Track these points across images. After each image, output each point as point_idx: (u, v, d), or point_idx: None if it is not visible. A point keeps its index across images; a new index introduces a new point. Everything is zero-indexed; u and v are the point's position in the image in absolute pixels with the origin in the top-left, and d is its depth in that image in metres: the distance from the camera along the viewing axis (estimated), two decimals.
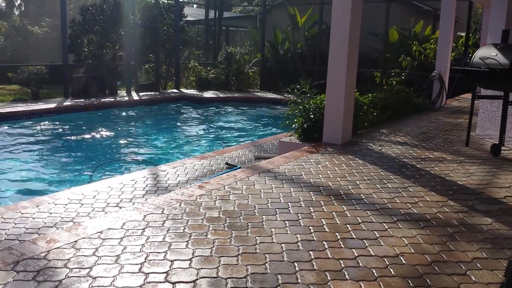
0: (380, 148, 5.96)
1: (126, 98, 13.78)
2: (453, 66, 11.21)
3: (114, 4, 14.64)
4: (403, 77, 13.04)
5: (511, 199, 3.99)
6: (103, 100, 13.06)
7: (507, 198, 4.02)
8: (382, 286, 2.46)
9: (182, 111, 13.99)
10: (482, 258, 2.85)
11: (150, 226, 3.16)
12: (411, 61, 13.64)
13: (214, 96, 15.39)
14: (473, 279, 2.57)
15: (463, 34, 15.19)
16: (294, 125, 6.79)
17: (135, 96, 14.32)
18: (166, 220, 3.29)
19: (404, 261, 2.77)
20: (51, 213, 4.13)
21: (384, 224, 3.34)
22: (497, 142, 5.61)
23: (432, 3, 17.64)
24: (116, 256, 2.71)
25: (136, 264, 2.61)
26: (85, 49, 14.16)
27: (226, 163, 6.16)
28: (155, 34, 15.77)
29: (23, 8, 30.47)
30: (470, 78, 6.08)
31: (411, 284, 2.49)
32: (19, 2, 31.47)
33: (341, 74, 6.01)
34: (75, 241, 2.91)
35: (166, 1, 17.38)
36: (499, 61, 5.46)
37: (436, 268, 2.69)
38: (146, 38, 15.89)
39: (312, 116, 6.52)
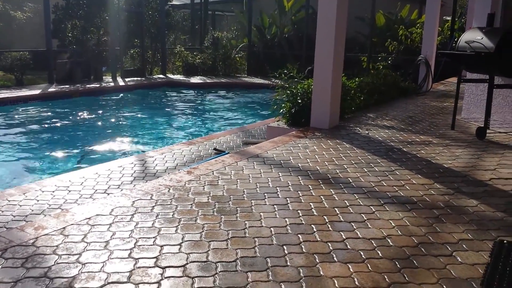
0: (367, 132, 6.00)
1: (112, 84, 13.64)
2: (439, 50, 11.28)
3: None
4: (389, 62, 13.13)
5: (496, 181, 4.06)
6: (88, 86, 12.91)
7: (492, 180, 4.08)
8: (369, 268, 2.50)
9: (168, 96, 13.90)
10: (468, 239, 2.90)
11: (139, 212, 3.16)
12: (398, 46, 13.67)
13: (201, 81, 15.29)
14: (459, 260, 2.62)
15: (449, 18, 15.24)
16: (282, 110, 6.79)
17: (120, 82, 14.17)
18: (155, 205, 3.29)
19: (391, 243, 2.81)
20: (38, 201, 4.10)
21: (372, 207, 3.38)
22: (482, 125, 5.68)
23: None
24: (105, 242, 2.71)
25: (125, 250, 2.61)
26: (69, 34, 13.92)
27: (214, 149, 6.15)
28: (140, 18, 15.57)
29: None
30: (456, 62, 6.12)
31: (398, 266, 2.53)
32: None
33: (328, 58, 6.00)
34: (64, 228, 2.90)
35: None
36: (485, 45, 5.50)
37: (423, 249, 2.74)
38: (131, 22, 15.69)
39: (299, 101, 6.52)
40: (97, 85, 13.15)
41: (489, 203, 3.53)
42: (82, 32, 14.08)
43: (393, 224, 3.08)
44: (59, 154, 7.51)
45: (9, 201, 4.08)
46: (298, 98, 6.56)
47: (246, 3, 19.45)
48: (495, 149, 5.15)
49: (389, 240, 2.85)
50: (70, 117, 10.26)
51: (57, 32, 13.86)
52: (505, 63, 5.48)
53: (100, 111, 11.20)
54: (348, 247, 2.75)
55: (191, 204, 3.33)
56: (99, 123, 10.02)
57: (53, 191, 4.33)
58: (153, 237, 2.78)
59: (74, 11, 14.00)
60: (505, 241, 2.87)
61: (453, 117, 6.20)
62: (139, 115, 11.11)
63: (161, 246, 2.66)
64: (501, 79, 6.23)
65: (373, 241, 2.82)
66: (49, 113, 10.48)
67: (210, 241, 2.75)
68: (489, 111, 5.71)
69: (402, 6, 16.92)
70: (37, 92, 11.52)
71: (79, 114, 10.63)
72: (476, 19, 6.85)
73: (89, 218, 3.04)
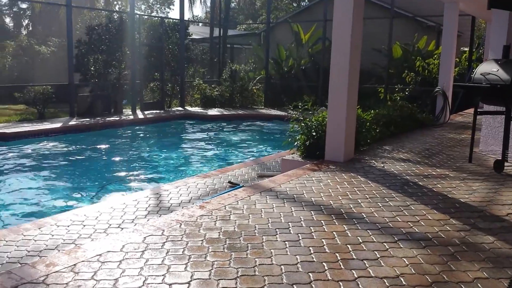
0: (382, 165, 5.94)
1: (131, 117, 13.89)
2: (457, 81, 11.23)
3: (120, 23, 14.87)
4: (407, 93, 13.10)
5: None
6: (108, 119, 13.17)
7: (509, 215, 3.99)
8: None
9: (186, 129, 14.06)
10: (483, 278, 2.81)
11: (150, 248, 3.16)
12: (415, 77, 13.67)
13: (219, 113, 15.47)
14: None
15: (466, 49, 15.22)
16: (296, 143, 6.80)
17: (140, 115, 14.42)
18: (166, 242, 3.29)
19: (404, 282, 2.74)
20: (53, 235, 4.14)
21: (385, 244, 3.32)
22: (500, 158, 5.58)
23: (435, 19, 17.70)
24: (114, 279, 2.71)
25: None
26: (91, 68, 14.33)
27: (229, 182, 6.16)
28: (160, 52, 15.95)
29: (30, 28, 30.98)
30: (472, 93, 6.07)
31: None
32: (26, 22, 32.04)
33: (343, 91, 6.03)
34: (74, 265, 2.92)
35: (171, 20, 17.62)
36: (500, 77, 5.47)
37: None
38: (151, 56, 16.08)
39: (314, 134, 6.53)
40: (117, 118, 13.41)
41: (506, 239, 3.44)
42: (104, 66, 14.48)
43: (406, 262, 3.01)
44: (77, 187, 7.62)
45: (24, 236, 4.13)
46: (313, 130, 6.57)
47: (263, 37, 19.82)
48: None
49: (402, 279, 2.78)
50: (90, 150, 10.43)
51: (80, 66, 14.28)
52: None
53: (119, 144, 11.37)
54: (360, 286, 2.69)
55: (202, 240, 3.33)
56: (118, 156, 10.17)
57: (68, 226, 4.37)
58: (162, 275, 2.77)
59: (97, 46, 14.43)
60: None
61: (470, 150, 6.11)
62: (156, 148, 11.25)
63: (170, 285, 2.65)
64: None
65: (385, 280, 2.76)
66: (69, 147, 10.68)
67: (219, 279, 2.73)
68: (506, 144, 5.61)
69: (419, 38, 16.99)
70: (58, 125, 11.80)
71: (98, 147, 10.81)
72: (492, 50, 6.84)
73: (99, 255, 3.06)
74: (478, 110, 6.08)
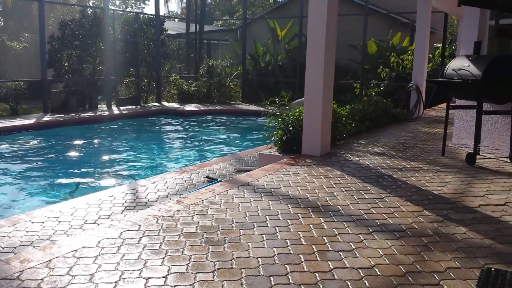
0: (358, 159, 6.03)
1: (107, 113, 13.70)
2: (430, 76, 11.45)
3: (94, 19, 14.64)
4: (382, 88, 13.28)
5: (485, 207, 4.07)
6: (83, 115, 12.96)
7: (481, 207, 4.10)
8: None
9: (163, 124, 13.95)
10: (455, 267, 2.89)
11: (126, 244, 3.14)
12: (390, 72, 13.86)
13: (196, 109, 15.39)
14: None
15: (439, 45, 15.51)
16: (273, 138, 6.83)
17: (115, 110, 14.23)
18: (143, 236, 3.27)
19: (378, 272, 2.80)
20: (27, 232, 4.06)
21: (360, 236, 3.37)
22: (472, 151, 5.73)
23: (409, 15, 17.98)
24: (90, 275, 2.69)
25: (110, 283, 2.59)
26: (65, 64, 14.07)
27: (207, 177, 6.15)
28: (135, 48, 15.77)
29: (1, 24, 30.15)
30: (444, 89, 6.21)
31: None
32: None
33: (318, 87, 6.09)
34: (49, 261, 2.88)
35: (146, 16, 17.42)
36: (472, 72, 5.61)
37: (410, 278, 2.73)
38: (126, 52, 15.88)
39: (291, 129, 6.57)
40: (92, 114, 13.21)
41: (478, 230, 3.53)
42: (78, 61, 14.23)
43: (381, 253, 3.08)
44: (52, 184, 7.48)
45: None
46: (290, 125, 6.61)
47: (240, 32, 19.78)
48: (485, 175, 5.18)
49: (376, 270, 2.83)
50: (64, 147, 10.26)
51: (53, 61, 14.01)
52: (492, 90, 5.57)
53: (94, 140, 11.21)
54: (336, 277, 2.73)
55: (179, 235, 3.32)
56: (93, 152, 10.02)
57: (43, 222, 4.30)
58: (139, 269, 2.76)
59: (70, 42, 14.18)
60: (492, 269, 2.86)
61: (443, 144, 6.24)
62: (132, 144, 11.13)
63: (147, 279, 2.64)
64: (490, 105, 6.32)
65: (360, 271, 2.81)
66: (43, 143, 10.48)
67: (197, 272, 2.74)
68: (478, 137, 5.76)
69: (394, 34, 17.24)
70: (31, 121, 11.55)
71: (73, 143, 10.63)
72: (463, 46, 6.99)
73: (75, 251, 3.02)
74: (451, 104, 6.22)
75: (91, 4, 37.62)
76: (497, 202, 4.22)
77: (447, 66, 6.13)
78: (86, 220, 4.35)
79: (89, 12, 15.23)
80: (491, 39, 7.13)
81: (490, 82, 5.49)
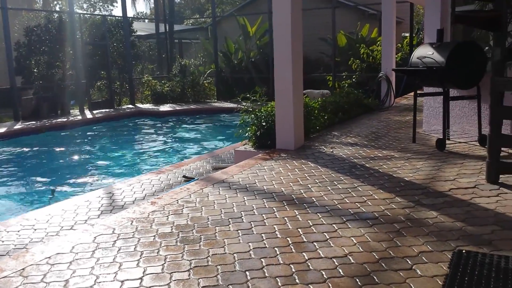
0: (331, 150, 6.10)
1: (79, 117, 13.49)
2: (400, 66, 11.63)
3: (60, 23, 14.38)
4: (354, 80, 13.43)
5: (455, 191, 4.17)
6: (55, 121, 12.74)
7: (452, 190, 4.20)
8: (331, 287, 2.53)
9: (137, 126, 13.82)
10: (427, 251, 2.96)
11: (100, 248, 3.12)
12: (361, 64, 14.03)
13: (171, 109, 15.29)
14: (419, 273, 2.67)
15: (407, 34, 15.75)
16: (247, 134, 6.85)
17: (88, 115, 14.03)
18: (117, 240, 3.25)
19: (352, 261, 2.85)
20: (3, 241, 3.98)
21: (334, 225, 3.42)
22: (442, 137, 5.85)
23: (376, 7, 18.21)
24: (64, 281, 2.66)
25: None
26: (35, 70, 13.79)
27: (184, 176, 6.14)
28: (105, 51, 15.56)
29: None
30: (410, 77, 6.32)
31: (359, 283, 2.57)
32: None
33: (288, 81, 6.13)
34: (23, 269, 2.84)
35: (114, 18, 17.20)
36: (436, 59, 5.73)
37: (384, 264, 2.78)
38: (96, 55, 15.67)
39: (264, 124, 6.60)
40: (64, 119, 12.99)
41: (449, 213, 3.62)
42: (47, 67, 13.97)
43: (354, 241, 3.13)
44: (27, 192, 7.35)
45: None
46: (263, 121, 6.64)
47: (210, 30, 19.70)
48: (455, 159, 5.31)
49: (350, 258, 2.88)
50: (38, 154, 10.07)
51: (21, 68, 13.72)
52: (456, 75, 5.70)
53: (68, 146, 11.04)
54: (310, 267, 2.77)
55: (154, 236, 3.31)
56: (67, 157, 9.87)
57: (19, 231, 4.21)
58: (114, 273, 2.74)
59: (37, 48, 13.91)
60: (463, 251, 2.94)
61: (413, 131, 6.37)
62: (107, 147, 11.00)
63: (122, 281, 2.63)
64: (457, 91, 6.47)
65: (335, 260, 2.86)
66: (16, 151, 10.27)
67: (172, 272, 2.74)
68: (446, 123, 5.89)
69: (362, 26, 17.43)
70: (2, 130, 11.30)
71: (47, 150, 10.45)
72: (427, 34, 7.12)
73: (49, 257, 2.99)
74: (418, 92, 6.34)
75: (58, 8, 36.89)
76: (467, 185, 4.33)
77: (412, 54, 6.24)
78: (62, 227, 4.28)
79: (55, 17, 14.93)
80: (454, 25, 7.28)
81: (454, 68, 5.61)
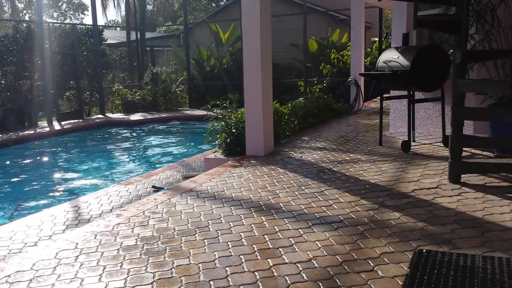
0: (300, 155, 6.14)
1: (47, 129, 13.22)
2: (369, 70, 11.81)
3: (28, 33, 14.09)
4: (325, 84, 13.57)
5: (418, 192, 4.26)
6: (21, 133, 12.44)
7: (415, 191, 4.28)
8: None
9: (107, 136, 13.62)
10: (389, 252, 3.00)
11: (62, 264, 3.05)
12: (331, 69, 14.19)
13: (142, 118, 15.15)
14: (380, 274, 2.71)
15: (376, 39, 16.03)
16: (217, 141, 6.84)
17: (56, 126, 13.76)
18: (80, 254, 3.19)
19: (316, 265, 2.87)
20: None
21: (300, 230, 3.44)
22: (407, 139, 5.97)
23: (347, 12, 18.44)
24: None
25: None
26: (2, 82, 13.48)
27: (153, 187, 6.07)
28: (74, 60, 15.33)
29: None
30: (376, 81, 6.43)
31: (321, 287, 2.58)
32: None
33: (257, 87, 6.15)
34: None
35: (84, 26, 16.96)
36: (401, 63, 5.85)
37: (346, 267, 2.81)
38: (65, 65, 15.41)
39: (234, 131, 6.60)
40: (32, 132, 12.71)
41: (411, 214, 3.69)
42: (15, 78, 13.67)
43: (319, 245, 3.15)
44: None
45: None
46: (233, 128, 6.64)
47: (183, 37, 19.63)
48: (419, 161, 5.42)
49: (314, 262, 2.90)
50: (2, 168, 9.81)
51: None
52: (421, 79, 5.83)
53: (35, 159, 10.79)
54: (275, 274, 2.77)
55: (118, 249, 3.26)
56: (34, 171, 9.64)
57: None
58: None
59: (4, 58, 13.60)
60: (424, 250, 3.00)
61: (380, 134, 6.48)
62: (76, 159, 10.79)
63: None
64: (422, 94, 6.61)
65: (299, 265, 2.87)
66: None
67: (135, 286, 2.70)
68: (412, 125, 6.01)
69: (333, 31, 17.67)
70: None
71: (13, 163, 10.19)
72: (394, 39, 7.28)
73: (8, 276, 2.91)
74: (384, 96, 6.45)
75: (27, 18, 36.20)
76: (430, 185, 4.43)
77: (378, 59, 6.35)
78: (26, 243, 4.17)
79: (23, 27, 14.61)
80: (419, 29, 7.45)
81: (418, 72, 5.74)
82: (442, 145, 6.09)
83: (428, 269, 2.73)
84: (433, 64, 5.91)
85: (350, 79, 10.86)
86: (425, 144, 6.30)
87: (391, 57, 6.10)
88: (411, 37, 6.92)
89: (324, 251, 3.05)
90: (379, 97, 12.88)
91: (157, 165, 9.38)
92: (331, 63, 14.33)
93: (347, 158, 5.81)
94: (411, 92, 6.01)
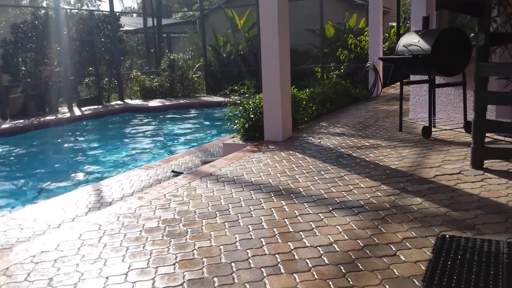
0: (319, 141, 6.11)
1: (68, 115, 13.40)
2: (387, 55, 11.64)
3: (46, 19, 14.21)
4: (342, 70, 13.43)
5: (440, 177, 4.21)
6: (43, 119, 12.64)
7: (436, 177, 4.23)
8: (315, 276, 2.54)
9: (126, 122, 13.75)
10: (411, 237, 2.98)
11: (86, 244, 3.11)
12: (348, 54, 14.03)
13: (160, 104, 15.23)
14: (403, 258, 2.69)
15: (394, 24, 15.76)
16: (236, 126, 6.84)
17: (77, 112, 13.94)
18: (103, 236, 3.24)
19: (337, 249, 2.86)
20: None
21: (320, 215, 3.44)
22: (428, 125, 5.89)
23: None
24: (49, 279, 2.65)
25: (69, 285, 2.56)
26: (22, 68, 13.66)
27: (172, 171, 6.12)
28: (92, 46, 15.43)
29: None
30: (396, 65, 6.33)
31: (343, 271, 2.58)
32: None
33: (275, 72, 6.12)
34: (7, 268, 2.82)
35: (101, 13, 17.04)
36: (421, 47, 5.74)
37: (368, 251, 2.80)
38: (83, 51, 15.54)
39: (252, 116, 6.60)
40: (53, 117, 12.90)
41: (433, 199, 3.65)
42: (35, 64, 13.84)
43: (340, 230, 3.15)
44: (15, 191, 7.30)
45: None
46: (251, 113, 6.64)
47: (199, 24, 19.58)
48: (441, 147, 5.34)
49: (335, 246, 2.90)
50: (26, 152, 10.00)
51: (8, 66, 13.57)
52: (442, 63, 5.72)
53: (57, 144, 10.98)
54: (296, 257, 2.78)
55: (140, 231, 3.31)
56: (56, 155, 9.82)
57: (5, 231, 4.19)
58: (99, 269, 2.74)
59: (24, 45, 13.76)
60: (447, 236, 2.97)
61: (400, 119, 6.39)
62: (96, 144, 10.94)
63: (107, 277, 2.63)
64: (442, 79, 6.50)
65: (320, 249, 2.87)
66: (4, 150, 10.19)
67: (158, 266, 2.74)
68: (432, 110, 5.92)
69: (350, 16, 17.41)
70: None
71: (35, 148, 10.38)
72: (413, 22, 7.14)
73: (33, 256, 2.97)
74: (404, 80, 6.36)
75: (44, 4, 36.46)
76: (452, 171, 4.37)
77: (398, 43, 6.25)
78: (50, 225, 4.26)
79: (41, 13, 14.74)
80: (439, 13, 7.30)
81: (439, 56, 5.63)
82: (464, 131, 5.99)
83: (451, 255, 2.70)
84: (455, 48, 5.78)
85: (368, 65, 10.72)
86: (446, 129, 6.21)
87: (411, 40, 5.99)
88: (431, 21, 6.78)
89: (345, 236, 3.05)
90: (397, 83, 12.80)
91: (175, 150, 9.46)
92: (348, 48, 14.16)
93: (367, 144, 5.76)
94: (431, 76, 5.91)
